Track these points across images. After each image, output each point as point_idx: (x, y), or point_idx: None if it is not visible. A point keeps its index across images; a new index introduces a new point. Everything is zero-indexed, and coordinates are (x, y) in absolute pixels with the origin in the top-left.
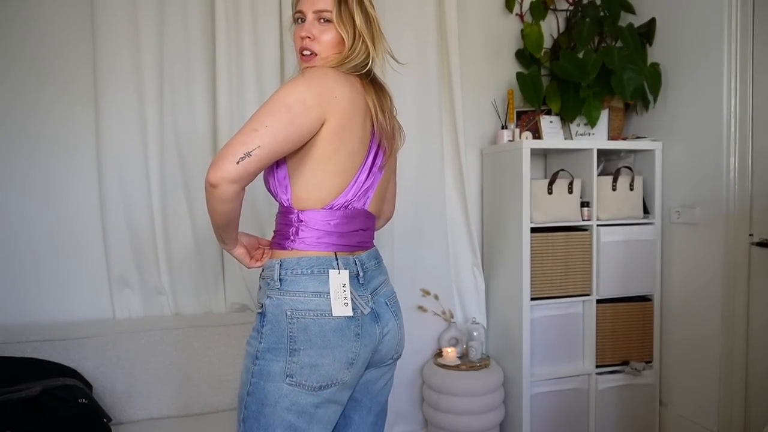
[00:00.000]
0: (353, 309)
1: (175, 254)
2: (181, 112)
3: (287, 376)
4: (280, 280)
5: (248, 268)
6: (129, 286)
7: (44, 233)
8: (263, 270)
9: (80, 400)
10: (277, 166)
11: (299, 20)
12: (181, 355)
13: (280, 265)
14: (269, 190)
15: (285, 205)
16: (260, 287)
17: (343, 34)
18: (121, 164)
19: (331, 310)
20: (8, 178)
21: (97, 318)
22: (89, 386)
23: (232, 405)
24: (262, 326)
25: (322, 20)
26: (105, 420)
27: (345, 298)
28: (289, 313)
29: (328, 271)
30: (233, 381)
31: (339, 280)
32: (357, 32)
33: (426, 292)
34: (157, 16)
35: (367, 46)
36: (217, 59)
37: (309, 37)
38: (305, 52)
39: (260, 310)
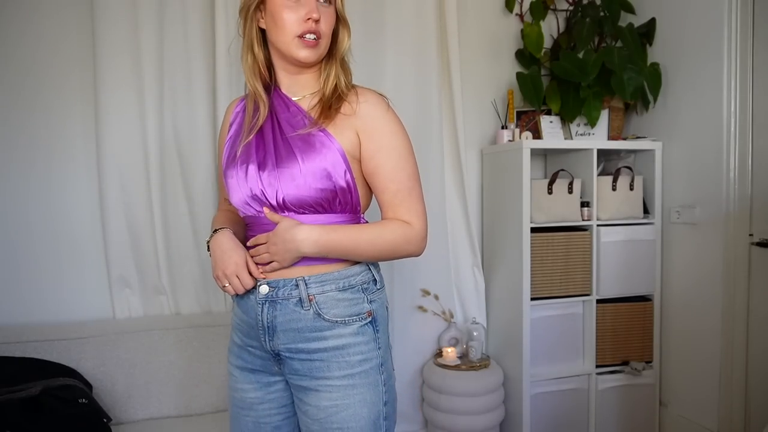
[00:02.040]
0: None
1: (175, 254)
2: (181, 112)
3: (392, 359)
4: (379, 279)
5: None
6: (129, 286)
7: (44, 233)
8: (345, 279)
9: (80, 400)
10: (353, 177)
11: None
12: (181, 355)
13: (372, 266)
14: (337, 199)
15: (356, 211)
16: (336, 300)
17: (344, 19)
18: (121, 164)
19: None
20: (8, 179)
21: (97, 318)
22: (89, 386)
23: None
24: (377, 332)
25: (324, 0)
26: (105, 420)
27: None
28: (387, 305)
29: None
30: None
31: None
32: (347, 21)
33: (426, 292)
34: (157, 16)
35: (347, 38)
36: (217, 59)
37: (318, 20)
38: (312, 37)
39: (368, 320)
